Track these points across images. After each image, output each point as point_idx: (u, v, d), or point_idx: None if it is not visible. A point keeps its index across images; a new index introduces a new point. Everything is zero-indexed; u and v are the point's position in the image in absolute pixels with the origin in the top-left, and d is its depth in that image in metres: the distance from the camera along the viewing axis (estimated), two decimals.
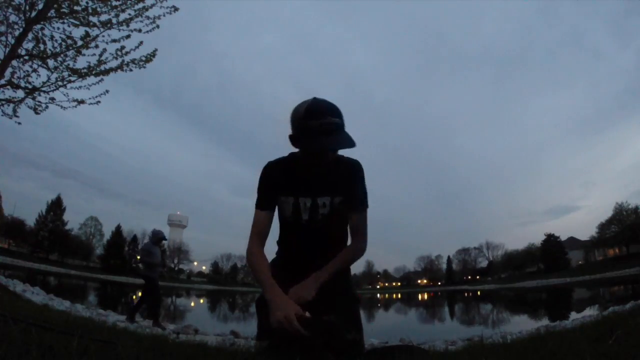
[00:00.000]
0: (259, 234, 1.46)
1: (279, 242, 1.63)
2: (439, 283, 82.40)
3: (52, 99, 4.95)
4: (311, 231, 1.49)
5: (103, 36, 4.85)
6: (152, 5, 4.98)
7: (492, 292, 37.37)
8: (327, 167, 1.43)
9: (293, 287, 1.36)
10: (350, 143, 1.31)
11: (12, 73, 4.79)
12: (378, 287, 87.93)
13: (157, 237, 6.64)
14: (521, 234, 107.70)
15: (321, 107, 1.32)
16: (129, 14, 4.90)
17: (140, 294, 6.63)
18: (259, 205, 1.47)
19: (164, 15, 5.02)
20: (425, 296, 38.91)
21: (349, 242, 1.58)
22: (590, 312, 7.79)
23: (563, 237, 63.34)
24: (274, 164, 1.51)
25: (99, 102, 5.14)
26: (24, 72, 4.84)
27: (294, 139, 1.37)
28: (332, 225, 1.50)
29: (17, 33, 4.63)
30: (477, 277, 77.94)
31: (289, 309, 1.18)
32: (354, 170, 1.50)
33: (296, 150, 1.46)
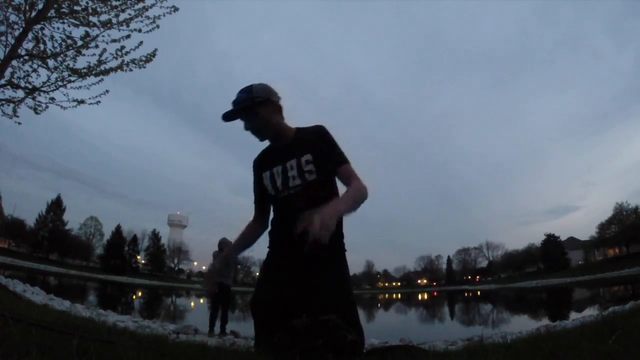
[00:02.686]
0: (255, 214, 1.68)
1: (270, 232, 1.66)
2: (434, 284, 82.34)
3: (52, 99, 4.94)
4: (288, 197, 1.52)
5: (103, 36, 4.85)
6: (152, 5, 4.98)
7: (492, 292, 37.35)
8: (291, 138, 1.57)
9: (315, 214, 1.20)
10: (233, 113, 1.51)
11: (12, 73, 4.79)
12: (378, 287, 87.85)
13: (225, 244, 6.59)
14: (521, 234, 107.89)
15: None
16: (129, 14, 4.90)
17: (211, 302, 6.67)
18: (254, 202, 1.68)
19: (164, 15, 5.02)
20: (426, 296, 38.91)
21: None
22: (590, 312, 7.79)
23: (563, 237, 63.40)
24: (257, 157, 1.68)
25: (99, 102, 5.13)
26: (24, 72, 4.84)
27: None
28: (307, 190, 1.50)
29: (17, 33, 4.62)
30: (478, 277, 77.90)
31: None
32: (318, 131, 1.57)
33: None
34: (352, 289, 1.56)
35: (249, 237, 1.67)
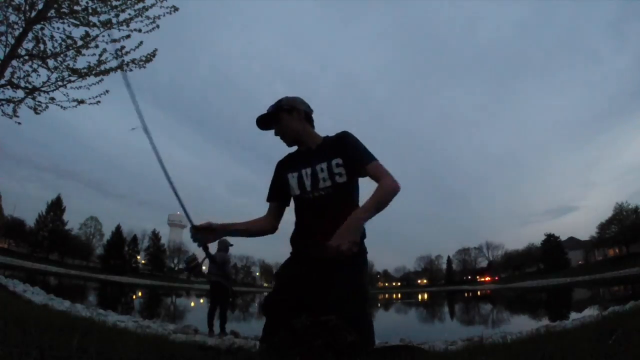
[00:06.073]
0: (268, 214, 1.71)
1: (292, 238, 1.67)
2: (431, 285, 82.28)
3: (52, 99, 4.95)
4: (316, 199, 1.57)
5: (103, 36, 4.85)
6: (152, 5, 4.98)
7: (493, 292, 37.34)
8: (318, 145, 1.66)
9: (334, 235, 1.31)
10: (266, 118, 1.67)
11: (12, 73, 4.79)
12: (378, 287, 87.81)
13: (225, 245, 6.61)
14: (521, 234, 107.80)
15: None
16: (129, 14, 4.90)
17: (211, 303, 6.65)
18: (267, 198, 1.71)
19: (164, 15, 5.02)
20: (426, 296, 38.90)
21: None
22: (590, 312, 7.78)
23: (563, 237, 63.28)
24: (282, 159, 1.74)
25: (99, 102, 5.13)
26: (24, 72, 4.84)
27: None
28: (337, 191, 1.55)
29: (17, 33, 4.62)
30: (478, 277, 77.85)
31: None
32: (343, 136, 1.64)
33: None
34: (367, 288, 1.58)
35: (252, 226, 1.68)
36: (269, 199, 1.71)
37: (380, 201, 1.43)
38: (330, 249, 1.27)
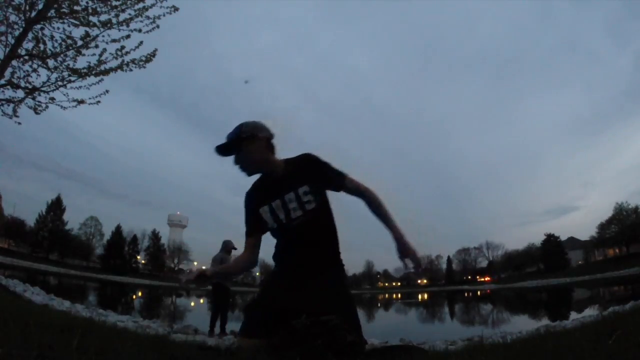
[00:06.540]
0: (246, 250, 1.68)
1: (274, 256, 1.72)
2: (431, 285, 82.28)
3: (52, 99, 4.94)
4: (293, 227, 1.59)
5: (103, 36, 4.85)
6: (152, 5, 4.98)
7: (493, 292, 37.34)
8: (282, 172, 1.62)
9: (405, 250, 1.58)
10: (224, 148, 1.58)
11: (12, 73, 4.79)
12: (378, 287, 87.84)
13: (228, 247, 6.62)
14: (521, 234, 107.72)
15: None
16: (129, 14, 4.90)
17: (211, 303, 6.67)
18: (246, 233, 1.68)
19: (164, 15, 5.02)
20: (426, 296, 38.91)
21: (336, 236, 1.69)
22: (590, 312, 7.79)
23: (563, 237, 63.26)
24: (249, 191, 1.70)
25: (99, 102, 5.13)
26: (24, 72, 4.84)
27: None
28: (309, 218, 1.58)
29: (17, 33, 4.62)
30: (478, 277, 77.86)
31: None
32: (307, 160, 1.64)
33: None
34: (350, 291, 1.67)
35: (236, 267, 1.80)
36: (248, 235, 1.68)
37: (387, 210, 1.63)
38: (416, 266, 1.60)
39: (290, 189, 1.58)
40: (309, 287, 1.53)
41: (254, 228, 1.67)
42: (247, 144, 1.56)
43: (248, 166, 1.60)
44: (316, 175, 1.60)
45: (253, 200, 1.67)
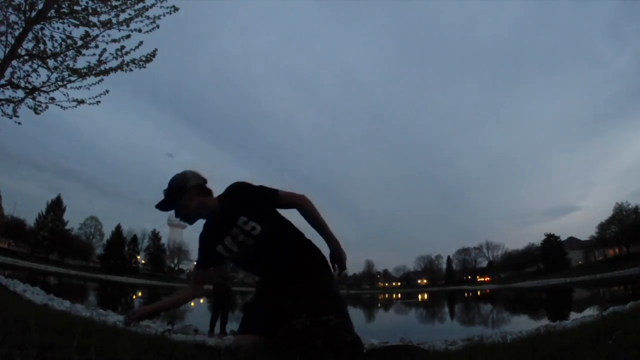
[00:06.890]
0: (194, 282, 1.83)
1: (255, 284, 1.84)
2: (431, 285, 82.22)
3: (52, 99, 4.95)
4: (249, 254, 1.67)
5: (103, 36, 4.85)
6: (152, 5, 4.98)
7: (493, 292, 37.33)
8: (219, 210, 1.69)
9: (336, 258, 1.68)
10: (162, 205, 1.65)
11: (12, 73, 4.80)
12: (378, 287, 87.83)
13: None
14: (521, 234, 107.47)
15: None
16: (129, 14, 4.90)
17: (211, 303, 6.67)
18: (197, 265, 1.81)
19: (164, 15, 5.02)
20: (426, 296, 38.91)
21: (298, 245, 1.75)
22: (590, 312, 7.78)
23: (563, 237, 63.19)
24: (202, 233, 1.79)
25: (99, 102, 5.14)
26: (24, 72, 4.85)
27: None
28: (260, 240, 1.65)
29: (17, 33, 4.63)
30: (478, 277, 77.84)
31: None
32: (234, 191, 1.71)
33: None
34: (339, 293, 1.75)
35: (177, 301, 1.92)
36: (199, 267, 1.79)
37: (320, 218, 1.67)
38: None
39: (232, 224, 1.64)
40: (299, 288, 1.59)
41: (206, 261, 1.77)
42: (180, 197, 1.63)
43: (188, 216, 1.66)
44: (247, 202, 1.65)
45: (209, 242, 1.74)
